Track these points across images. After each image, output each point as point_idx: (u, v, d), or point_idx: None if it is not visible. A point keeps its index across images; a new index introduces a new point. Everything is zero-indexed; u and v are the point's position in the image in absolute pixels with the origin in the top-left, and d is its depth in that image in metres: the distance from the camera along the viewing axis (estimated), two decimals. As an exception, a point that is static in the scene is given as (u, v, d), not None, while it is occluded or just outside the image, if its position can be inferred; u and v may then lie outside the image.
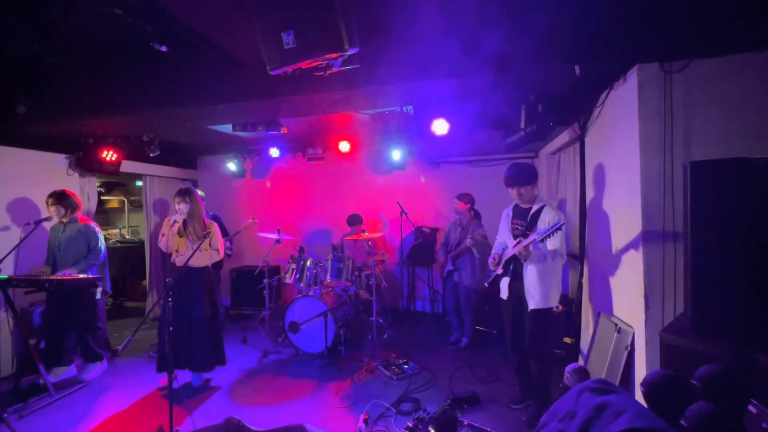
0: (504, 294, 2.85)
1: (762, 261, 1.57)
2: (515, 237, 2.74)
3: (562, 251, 2.60)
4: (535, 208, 2.70)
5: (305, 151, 5.41)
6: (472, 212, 4.11)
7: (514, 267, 2.75)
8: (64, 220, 3.57)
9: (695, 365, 1.46)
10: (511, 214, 2.89)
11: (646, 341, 2.30)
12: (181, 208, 3.18)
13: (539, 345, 2.69)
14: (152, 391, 3.31)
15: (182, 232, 3.24)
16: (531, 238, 2.47)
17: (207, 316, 3.27)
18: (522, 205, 2.80)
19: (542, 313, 2.64)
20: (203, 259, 3.26)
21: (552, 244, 2.55)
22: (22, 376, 3.27)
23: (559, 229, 2.35)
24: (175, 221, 3.21)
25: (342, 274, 4.19)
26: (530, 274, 2.63)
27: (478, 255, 3.92)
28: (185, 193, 3.22)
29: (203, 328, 3.26)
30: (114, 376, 3.65)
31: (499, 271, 2.81)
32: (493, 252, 2.92)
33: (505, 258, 2.78)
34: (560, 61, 2.36)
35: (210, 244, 3.27)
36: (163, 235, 3.25)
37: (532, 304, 2.63)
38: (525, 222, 2.71)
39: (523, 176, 2.69)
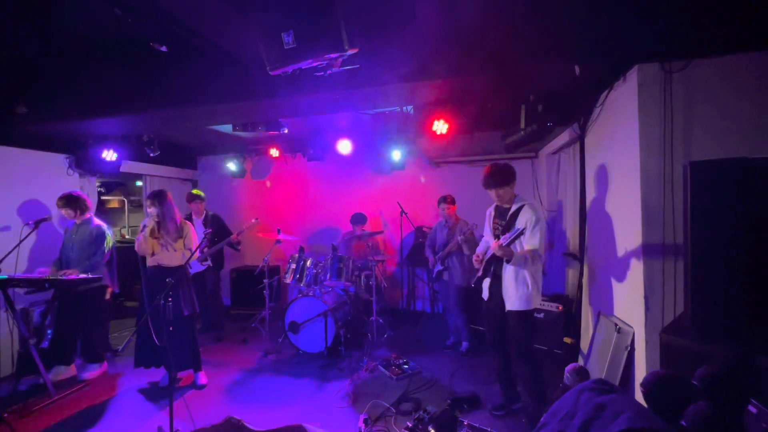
0: (485, 294, 2.87)
1: (762, 261, 1.57)
2: (495, 237, 2.75)
3: (541, 251, 2.59)
4: (513, 207, 2.70)
5: (305, 151, 5.40)
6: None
7: (494, 268, 2.77)
8: (78, 222, 3.61)
9: (695, 365, 1.46)
10: (492, 214, 2.90)
11: (646, 341, 2.29)
12: (151, 212, 3.22)
13: (523, 346, 2.68)
14: (152, 391, 3.30)
15: (155, 233, 3.24)
16: (499, 243, 2.47)
17: (185, 315, 3.25)
18: (502, 205, 2.81)
19: (521, 315, 2.63)
20: (178, 258, 3.26)
21: (530, 244, 2.55)
22: (22, 376, 3.27)
23: (521, 234, 2.38)
24: (144, 226, 3.21)
25: (342, 274, 4.18)
26: (508, 275, 2.65)
27: (468, 252, 3.91)
28: (154, 197, 3.23)
29: (180, 326, 3.20)
30: (114, 376, 3.65)
31: (480, 273, 2.84)
32: (477, 250, 2.94)
33: (485, 259, 2.78)
34: (560, 61, 2.36)
35: (184, 244, 3.29)
36: (137, 242, 3.22)
37: (509, 305, 2.65)
38: (504, 221, 2.72)
39: (500, 178, 2.68)
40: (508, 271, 2.64)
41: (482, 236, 3.39)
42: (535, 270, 2.63)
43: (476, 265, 2.85)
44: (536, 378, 2.69)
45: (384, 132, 4.91)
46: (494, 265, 2.76)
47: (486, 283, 2.85)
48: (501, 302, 2.71)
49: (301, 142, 5.38)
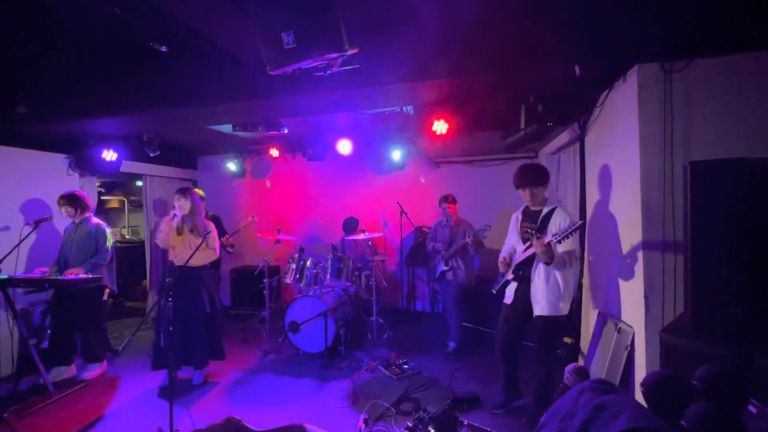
0: (509, 299, 2.78)
1: (762, 261, 1.57)
2: (524, 241, 2.67)
3: (578, 254, 2.50)
4: (545, 210, 2.62)
5: (305, 151, 5.41)
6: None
7: (523, 272, 2.68)
8: (77, 221, 3.61)
9: (695, 365, 1.46)
10: (520, 218, 2.80)
11: (646, 341, 2.29)
12: (182, 205, 3.21)
13: (546, 352, 2.63)
14: (152, 391, 3.31)
15: (180, 229, 3.26)
16: (548, 239, 2.37)
17: (207, 313, 3.30)
18: (532, 208, 2.72)
19: (549, 321, 2.56)
20: (202, 258, 3.28)
21: (570, 245, 2.45)
22: (22, 376, 3.27)
23: (577, 229, 2.28)
24: (174, 215, 3.20)
25: (342, 274, 4.19)
26: (538, 279, 2.57)
27: (474, 253, 3.91)
28: (186, 191, 3.27)
29: (201, 324, 3.28)
30: (114, 376, 3.65)
31: (509, 276, 2.75)
32: (501, 254, 2.85)
33: (515, 263, 2.70)
34: (560, 61, 2.36)
35: (207, 244, 3.29)
36: (161, 231, 3.25)
37: (537, 310, 2.58)
38: (535, 225, 2.63)
39: (536, 177, 2.62)
40: (539, 276, 2.56)
41: (484, 235, 3.37)
42: (569, 274, 2.55)
43: (502, 268, 2.77)
44: (548, 384, 2.65)
45: (384, 132, 4.91)
46: (523, 269, 2.67)
47: (512, 286, 2.77)
48: (525, 307, 2.65)
49: (301, 142, 5.38)
